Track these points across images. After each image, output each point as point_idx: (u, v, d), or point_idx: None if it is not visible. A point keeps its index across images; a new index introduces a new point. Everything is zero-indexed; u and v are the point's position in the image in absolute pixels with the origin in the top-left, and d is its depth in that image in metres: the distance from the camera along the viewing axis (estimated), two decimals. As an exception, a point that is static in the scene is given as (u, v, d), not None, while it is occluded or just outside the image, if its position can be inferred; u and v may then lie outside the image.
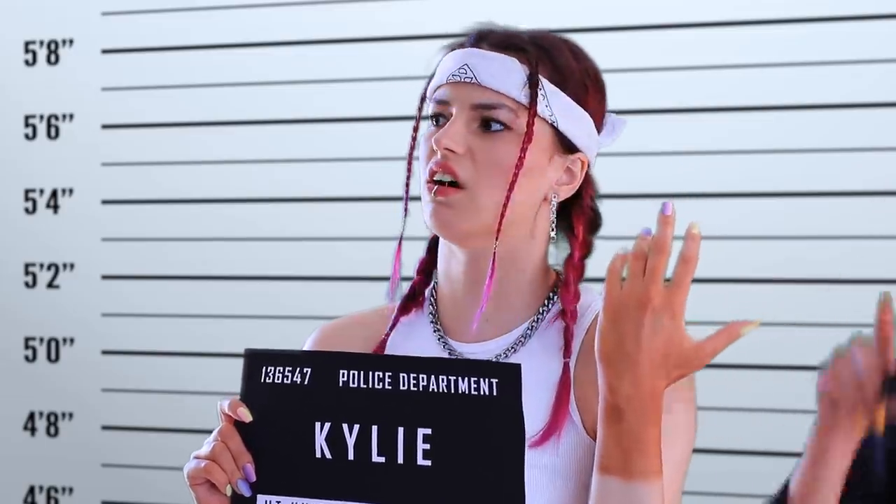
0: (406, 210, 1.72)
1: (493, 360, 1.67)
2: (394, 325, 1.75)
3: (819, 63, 3.13)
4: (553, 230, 1.69)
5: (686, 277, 1.51)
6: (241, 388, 1.58)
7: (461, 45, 1.69)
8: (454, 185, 1.64)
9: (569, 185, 1.70)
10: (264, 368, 1.56)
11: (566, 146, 1.68)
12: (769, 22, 3.17)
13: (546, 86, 1.65)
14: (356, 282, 3.38)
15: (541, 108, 1.64)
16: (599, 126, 1.73)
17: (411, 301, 1.76)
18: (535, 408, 1.53)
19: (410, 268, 1.77)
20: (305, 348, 1.80)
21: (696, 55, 3.21)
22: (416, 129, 1.72)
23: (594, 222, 1.75)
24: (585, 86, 1.69)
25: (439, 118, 1.67)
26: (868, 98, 3.10)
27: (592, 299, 1.71)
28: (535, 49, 1.66)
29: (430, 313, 1.73)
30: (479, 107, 1.65)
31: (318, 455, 1.53)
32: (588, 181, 1.73)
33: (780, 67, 3.16)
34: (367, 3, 3.48)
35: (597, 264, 3.12)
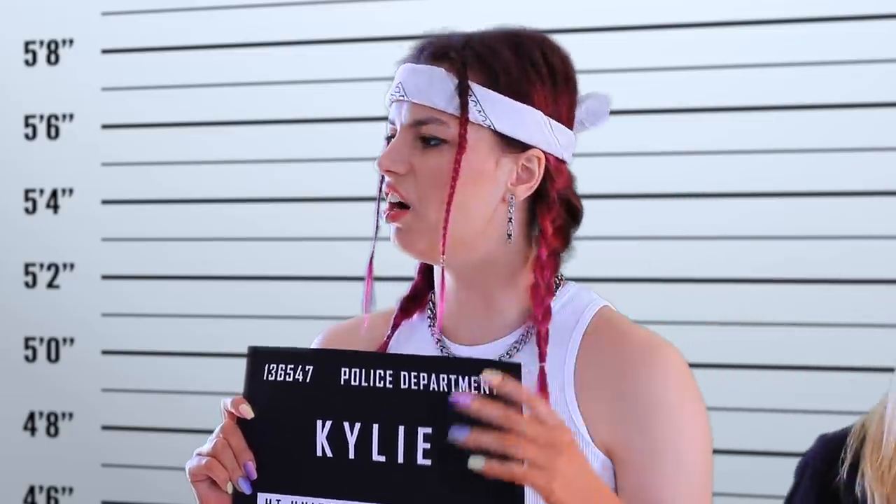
0: (377, 228, 1.72)
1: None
2: (395, 328, 1.75)
3: (819, 63, 3.13)
4: (510, 231, 1.66)
5: (545, 418, 1.46)
6: (244, 385, 1.58)
7: (408, 59, 1.68)
8: (403, 206, 1.64)
9: (527, 184, 1.66)
10: (267, 366, 1.57)
11: (514, 145, 1.65)
12: (769, 22, 3.17)
13: (477, 90, 1.62)
14: (356, 282, 3.38)
15: (473, 114, 1.62)
16: (564, 112, 1.68)
17: (412, 303, 1.75)
18: None
19: (384, 277, 1.77)
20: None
21: (696, 55, 3.21)
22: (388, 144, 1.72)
23: (565, 216, 1.69)
24: (528, 78, 1.64)
25: (393, 134, 1.68)
26: (868, 98, 3.10)
27: (591, 298, 1.69)
28: (466, 53, 1.63)
29: (429, 317, 1.73)
30: (414, 124, 1.64)
31: (319, 453, 1.53)
32: (553, 174, 1.67)
33: (780, 67, 3.16)
34: (367, 3, 3.49)
35: (597, 264, 3.12)
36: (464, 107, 1.62)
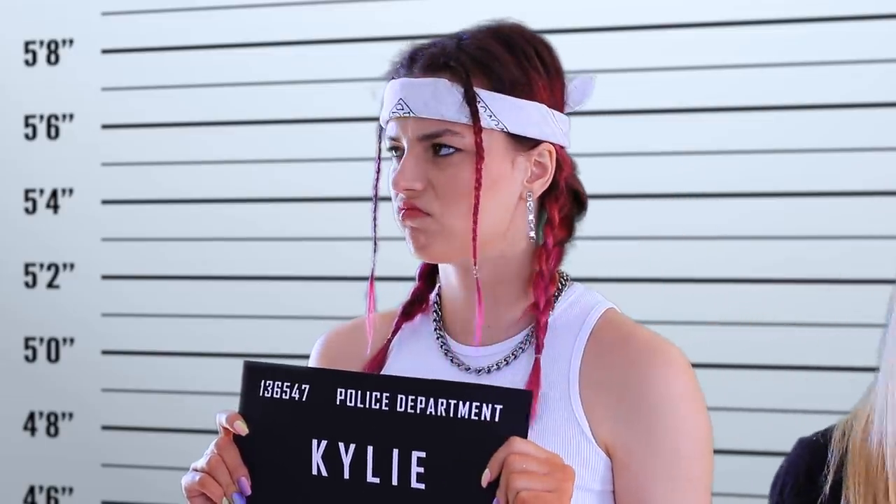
0: (375, 246, 1.71)
1: (496, 364, 1.66)
2: (396, 331, 1.74)
3: (819, 63, 3.13)
4: (532, 228, 1.66)
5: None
6: (240, 400, 1.57)
7: (397, 72, 1.67)
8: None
9: (542, 179, 1.66)
10: (263, 382, 1.55)
11: (526, 143, 1.64)
12: (769, 22, 3.17)
13: (484, 96, 1.61)
14: (356, 282, 3.38)
15: (485, 120, 1.61)
16: (559, 100, 1.67)
17: (414, 306, 1.74)
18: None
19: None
20: (314, 352, 1.79)
21: (696, 55, 3.21)
22: (378, 162, 1.70)
23: (573, 203, 1.69)
24: (527, 74, 1.64)
25: (397, 150, 1.66)
26: (868, 98, 3.10)
27: (597, 300, 1.69)
28: (465, 60, 1.62)
29: (434, 319, 1.72)
30: (424, 137, 1.62)
31: (315, 472, 1.52)
32: (561, 163, 1.67)
33: (780, 67, 3.16)
34: (366, 3, 3.48)
35: (597, 264, 3.12)
36: (475, 115, 1.60)
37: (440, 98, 1.61)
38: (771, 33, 3.16)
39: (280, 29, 3.56)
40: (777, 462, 1.94)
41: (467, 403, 1.46)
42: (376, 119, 1.70)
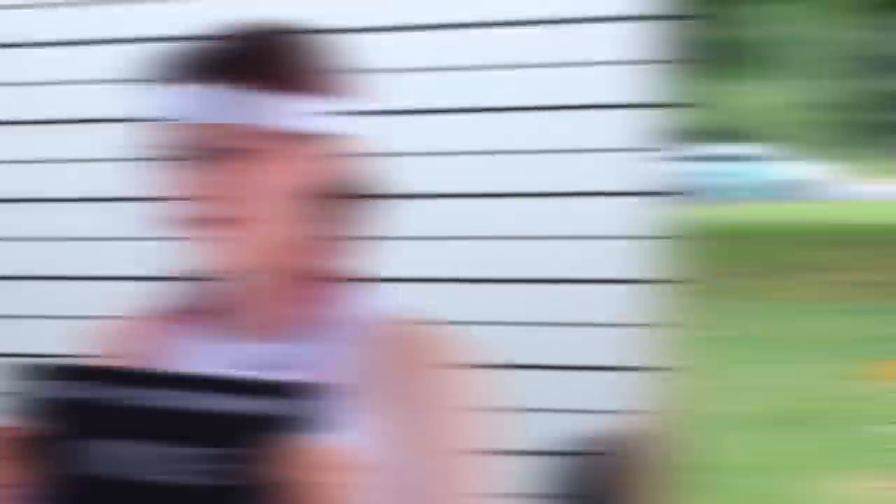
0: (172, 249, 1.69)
1: (275, 363, 1.65)
2: (170, 333, 1.72)
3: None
4: (311, 225, 1.65)
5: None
6: (16, 402, 1.52)
7: (170, 79, 1.62)
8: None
9: (323, 173, 1.64)
10: (44, 382, 1.52)
11: (306, 139, 1.62)
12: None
13: (262, 96, 1.59)
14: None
15: (265, 120, 1.59)
16: (336, 91, 1.64)
17: (189, 308, 1.72)
18: None
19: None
20: (89, 350, 1.77)
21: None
22: (159, 170, 1.64)
23: (351, 197, 1.67)
24: (302, 69, 1.61)
25: (180, 159, 1.62)
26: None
27: (378, 298, 1.69)
28: (238, 63, 1.60)
29: (212, 319, 1.70)
30: (208, 144, 1.60)
31: (98, 474, 1.49)
32: (339, 157, 1.65)
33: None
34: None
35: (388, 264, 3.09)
36: (255, 117, 1.59)
37: (219, 103, 1.59)
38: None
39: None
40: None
41: (247, 397, 1.44)
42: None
